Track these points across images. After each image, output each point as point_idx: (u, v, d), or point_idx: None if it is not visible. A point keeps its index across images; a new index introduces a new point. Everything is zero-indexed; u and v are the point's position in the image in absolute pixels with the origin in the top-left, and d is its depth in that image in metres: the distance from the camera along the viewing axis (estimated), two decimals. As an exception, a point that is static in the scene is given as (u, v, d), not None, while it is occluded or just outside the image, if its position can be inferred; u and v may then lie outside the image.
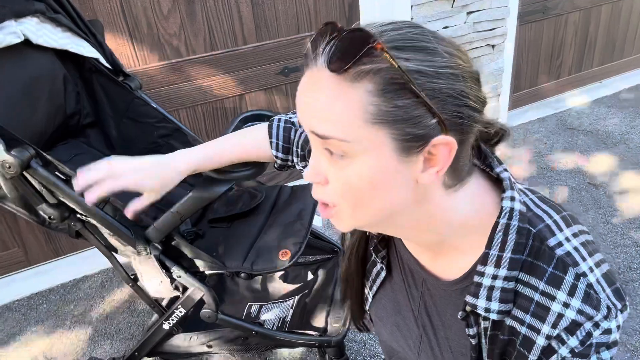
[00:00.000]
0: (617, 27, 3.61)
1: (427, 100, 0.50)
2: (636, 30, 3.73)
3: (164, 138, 1.69)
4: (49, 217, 1.32)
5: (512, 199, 0.60)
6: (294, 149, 0.97)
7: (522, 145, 3.05)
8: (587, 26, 3.46)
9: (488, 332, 0.62)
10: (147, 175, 0.97)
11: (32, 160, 1.23)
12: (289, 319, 1.66)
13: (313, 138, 0.55)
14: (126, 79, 1.66)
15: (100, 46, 1.63)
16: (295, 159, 0.98)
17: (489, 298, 0.59)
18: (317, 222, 1.52)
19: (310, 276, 1.80)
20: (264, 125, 1.00)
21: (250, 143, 1.01)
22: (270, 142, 0.97)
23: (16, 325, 2.05)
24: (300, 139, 0.96)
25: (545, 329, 0.56)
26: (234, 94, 2.45)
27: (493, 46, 2.86)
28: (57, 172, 1.27)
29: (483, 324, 0.62)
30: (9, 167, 1.20)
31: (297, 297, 1.74)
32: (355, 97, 0.50)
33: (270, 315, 1.71)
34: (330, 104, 0.51)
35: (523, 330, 0.58)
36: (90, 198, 0.92)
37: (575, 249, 0.58)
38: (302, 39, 2.48)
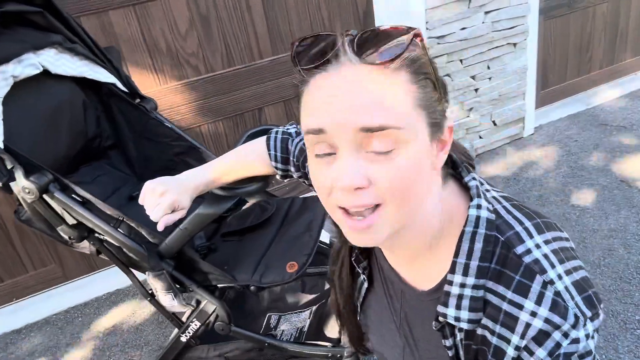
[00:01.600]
0: (651, 16, 3.46)
1: (439, 86, 0.56)
2: (673, 18, 3.56)
3: (179, 156, 1.75)
4: (69, 237, 1.39)
5: (479, 206, 0.60)
6: (291, 158, 0.98)
7: (551, 144, 2.96)
8: (617, 17, 3.33)
9: (463, 343, 0.62)
10: (180, 193, 1.01)
11: (51, 185, 1.31)
12: (306, 329, 1.68)
13: (357, 135, 0.52)
14: (142, 101, 1.74)
15: (117, 71, 1.71)
16: (292, 169, 1.00)
17: (458, 307, 0.59)
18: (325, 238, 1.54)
19: (327, 286, 1.81)
20: (263, 138, 1.03)
21: (252, 157, 1.04)
22: (269, 154, 1.00)
23: (54, 338, 2.16)
24: (295, 149, 0.98)
25: (515, 339, 0.55)
26: (254, 108, 2.50)
27: (515, 44, 2.80)
28: (74, 195, 1.34)
29: (459, 335, 0.62)
30: (29, 192, 1.28)
31: (314, 307, 1.76)
32: (400, 85, 0.52)
33: (288, 325, 1.74)
34: (382, 95, 0.51)
35: (494, 340, 0.58)
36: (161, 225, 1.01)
37: (545, 255, 0.57)
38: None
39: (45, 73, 1.52)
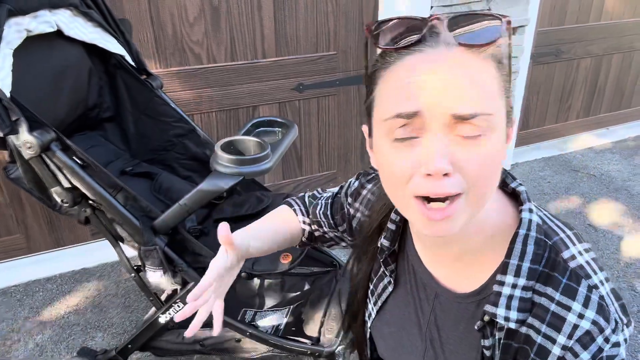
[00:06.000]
0: (627, 77, 3.68)
1: (509, 76, 0.57)
2: (645, 82, 3.81)
3: (178, 137, 1.74)
4: (62, 200, 1.35)
5: (531, 210, 0.62)
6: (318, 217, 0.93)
7: (525, 183, 3.09)
8: (598, 73, 3.53)
9: (502, 342, 0.62)
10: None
11: (52, 143, 1.28)
12: (282, 327, 1.67)
13: (448, 119, 0.51)
14: (149, 78, 1.72)
15: (127, 44, 1.69)
16: (320, 226, 0.94)
17: (508, 307, 0.60)
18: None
19: (307, 287, 1.81)
20: (287, 207, 0.97)
21: (282, 224, 0.94)
22: (294, 210, 0.95)
23: (10, 310, 2.07)
24: (326, 209, 0.92)
25: (561, 339, 0.57)
26: (248, 105, 2.50)
27: (504, 83, 2.93)
28: (74, 157, 1.31)
29: (498, 334, 0.62)
30: (30, 147, 1.24)
31: (292, 307, 1.75)
32: (491, 72, 0.54)
33: (264, 322, 1.72)
34: (477, 80, 0.52)
35: (539, 339, 0.58)
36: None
37: (587, 262, 0.60)
38: (319, 58, 2.55)
39: (58, 33, 1.49)
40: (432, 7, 2.49)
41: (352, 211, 0.87)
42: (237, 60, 2.40)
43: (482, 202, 0.56)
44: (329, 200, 0.92)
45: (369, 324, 0.84)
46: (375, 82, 0.57)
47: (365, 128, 0.65)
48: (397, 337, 0.79)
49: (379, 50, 0.56)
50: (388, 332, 0.80)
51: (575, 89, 3.50)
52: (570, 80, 3.44)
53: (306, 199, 0.97)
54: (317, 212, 0.93)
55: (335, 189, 0.95)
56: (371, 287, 0.82)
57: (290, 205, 0.96)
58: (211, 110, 2.43)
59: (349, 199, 0.88)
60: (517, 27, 2.77)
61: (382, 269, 0.78)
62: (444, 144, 0.51)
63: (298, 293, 1.81)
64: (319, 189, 0.99)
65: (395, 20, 0.55)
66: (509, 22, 0.53)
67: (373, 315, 0.82)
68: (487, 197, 0.56)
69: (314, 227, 0.94)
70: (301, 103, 2.64)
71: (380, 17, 2.59)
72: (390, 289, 0.77)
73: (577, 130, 3.68)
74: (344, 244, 0.95)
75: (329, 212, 0.91)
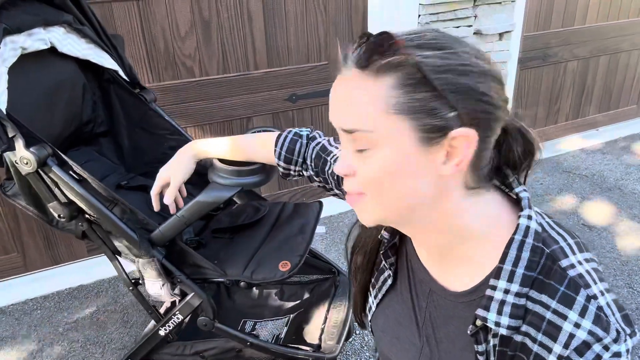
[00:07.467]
0: (614, 78, 3.74)
1: (443, 93, 0.54)
2: (632, 82, 3.86)
3: (173, 150, 1.72)
4: (59, 215, 1.36)
5: (529, 217, 0.61)
6: (299, 159, 1.03)
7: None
8: (585, 75, 3.59)
9: (497, 349, 0.62)
10: (172, 168, 1.19)
11: (49, 159, 1.29)
12: (282, 335, 1.67)
13: (342, 135, 0.62)
14: (142, 91, 1.73)
15: (120, 59, 1.71)
16: (297, 168, 1.04)
17: (499, 312, 0.60)
18: (321, 230, 1.55)
19: (306, 295, 1.82)
20: (275, 133, 1.07)
21: (259, 147, 1.11)
22: (274, 150, 1.05)
23: (9, 329, 2.05)
24: (312, 152, 1.01)
25: (557, 348, 0.56)
26: (242, 116, 2.52)
27: (494, 87, 2.96)
28: (70, 172, 1.32)
29: (492, 340, 0.63)
30: (27, 163, 1.25)
31: (292, 315, 1.76)
32: (377, 90, 0.56)
33: (264, 331, 1.72)
34: (356, 98, 0.57)
35: (535, 348, 0.58)
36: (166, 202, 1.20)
37: (587, 272, 0.59)
38: (311, 68, 2.58)
39: (52, 50, 1.50)
40: (419, 15, 2.52)
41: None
42: (230, 73, 2.42)
43: (387, 205, 0.62)
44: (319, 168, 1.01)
45: (369, 318, 0.85)
46: None
47: None
48: (395, 333, 0.80)
49: None
50: (387, 327, 0.81)
51: (563, 92, 3.55)
52: (558, 83, 3.49)
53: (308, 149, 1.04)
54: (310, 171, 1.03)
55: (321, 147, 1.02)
56: (372, 280, 0.83)
57: (275, 145, 1.05)
58: (204, 123, 2.45)
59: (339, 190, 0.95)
60: (504, 33, 2.81)
61: (383, 262, 0.79)
62: (347, 151, 0.62)
63: (298, 302, 1.82)
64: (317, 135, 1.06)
65: (343, 46, 0.61)
66: (396, 42, 0.55)
67: (373, 309, 0.83)
68: (393, 202, 0.61)
69: (288, 171, 1.07)
70: (295, 113, 2.66)
71: (370, 27, 2.63)
72: (389, 282, 0.78)
73: (567, 132, 3.73)
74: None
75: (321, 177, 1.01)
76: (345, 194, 0.67)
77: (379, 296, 0.81)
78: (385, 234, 0.76)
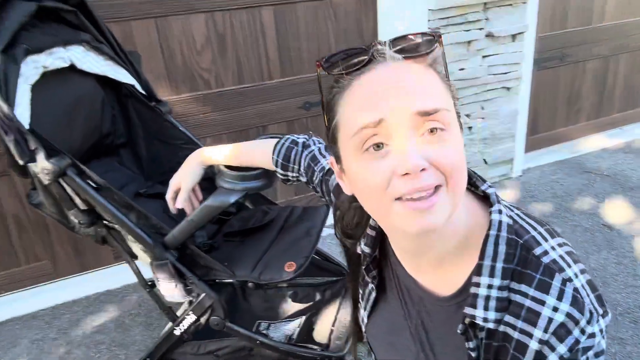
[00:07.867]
0: (637, 76, 3.66)
1: (452, 86, 0.63)
2: (657, 80, 3.78)
3: (188, 158, 1.82)
4: (79, 222, 1.45)
5: (500, 211, 0.65)
6: (294, 166, 1.09)
7: (537, 186, 3.09)
8: (606, 74, 3.53)
9: (483, 342, 0.64)
10: (182, 174, 1.29)
11: (68, 169, 1.38)
12: (295, 336, 1.72)
13: (413, 120, 0.56)
14: (158, 104, 1.82)
15: (137, 74, 1.80)
16: (294, 174, 1.10)
17: (486, 308, 0.62)
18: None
19: (318, 297, 1.87)
20: (274, 141, 1.13)
21: (259, 154, 1.17)
22: (272, 158, 1.11)
23: (39, 332, 2.17)
24: (303, 160, 1.07)
25: (538, 333, 0.58)
26: (258, 125, 2.60)
27: (508, 88, 2.96)
28: (89, 181, 1.41)
29: (480, 335, 0.64)
30: (47, 173, 1.34)
31: (304, 317, 1.81)
32: (437, 77, 0.61)
33: (277, 332, 1.78)
34: (429, 82, 0.60)
35: (516, 335, 0.60)
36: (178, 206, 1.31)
37: (561, 257, 0.62)
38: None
39: (72, 67, 1.61)
40: (429, 20, 2.56)
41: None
42: (245, 84, 2.50)
43: (459, 195, 0.60)
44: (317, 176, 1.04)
45: (363, 329, 0.88)
46: (336, 107, 0.63)
47: (332, 159, 0.70)
48: (389, 341, 0.82)
49: (333, 78, 0.63)
50: (381, 335, 0.83)
51: (583, 91, 3.50)
52: (577, 83, 3.45)
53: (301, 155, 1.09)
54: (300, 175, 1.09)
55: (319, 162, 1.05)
56: (361, 292, 0.85)
57: (273, 152, 1.10)
58: (222, 133, 2.54)
59: (333, 197, 0.97)
60: (517, 34, 2.81)
61: (365, 276, 0.81)
62: (414, 143, 0.56)
63: (310, 303, 1.87)
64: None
65: (342, 52, 0.62)
66: (439, 36, 0.61)
67: (365, 321, 0.85)
68: (463, 189, 0.61)
69: (286, 177, 1.12)
70: (309, 120, 2.72)
71: (380, 34, 2.68)
72: (374, 294, 0.81)
73: (588, 132, 3.67)
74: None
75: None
76: (340, 200, 0.70)
77: (368, 308, 0.83)
78: (365, 248, 0.78)
